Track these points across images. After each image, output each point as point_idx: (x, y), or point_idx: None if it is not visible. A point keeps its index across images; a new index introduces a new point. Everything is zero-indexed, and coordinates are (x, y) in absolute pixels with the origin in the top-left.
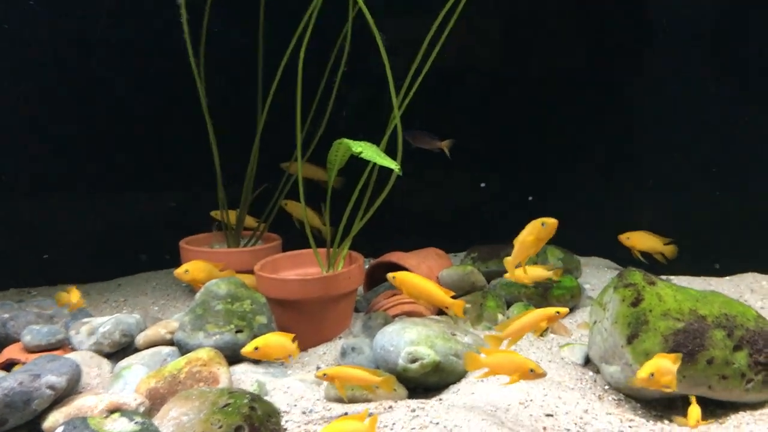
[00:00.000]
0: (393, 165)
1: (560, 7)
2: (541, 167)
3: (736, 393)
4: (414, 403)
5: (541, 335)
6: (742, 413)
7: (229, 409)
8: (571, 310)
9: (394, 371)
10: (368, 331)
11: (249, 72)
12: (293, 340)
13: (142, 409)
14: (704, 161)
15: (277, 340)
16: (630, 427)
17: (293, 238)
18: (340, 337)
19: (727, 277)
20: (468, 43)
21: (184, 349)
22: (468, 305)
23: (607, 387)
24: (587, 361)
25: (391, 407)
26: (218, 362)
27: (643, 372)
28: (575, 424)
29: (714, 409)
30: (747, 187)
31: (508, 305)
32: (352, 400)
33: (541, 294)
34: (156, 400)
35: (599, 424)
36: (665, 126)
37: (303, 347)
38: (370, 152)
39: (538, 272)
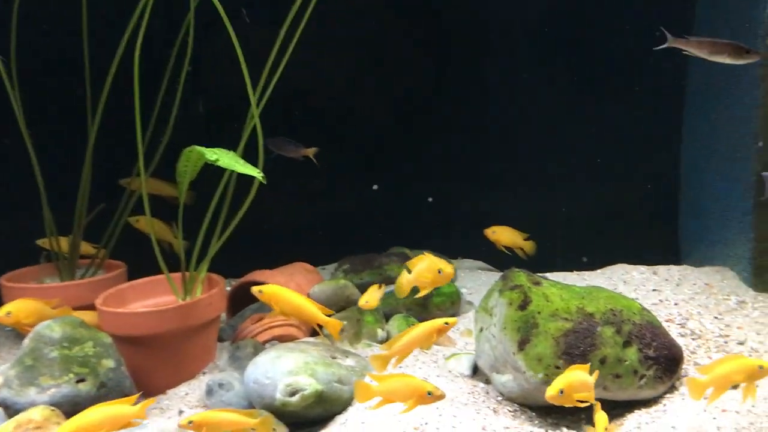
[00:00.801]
0: (254, 172)
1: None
2: (405, 174)
3: (631, 391)
4: None
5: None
6: (637, 412)
7: None
8: (452, 316)
9: (272, 407)
10: (237, 362)
11: (75, 74)
12: (136, 401)
13: None
14: (562, 159)
15: (104, 414)
16: None
17: (142, 264)
18: (205, 373)
19: (599, 270)
20: (326, 50)
21: (11, 410)
22: (345, 323)
23: (500, 398)
24: (475, 371)
25: None
26: (56, 422)
27: (552, 389)
28: None
29: (609, 410)
30: (604, 183)
31: (387, 318)
32: None
33: (420, 303)
34: None
35: None
36: (524, 127)
37: (161, 389)
38: (228, 159)
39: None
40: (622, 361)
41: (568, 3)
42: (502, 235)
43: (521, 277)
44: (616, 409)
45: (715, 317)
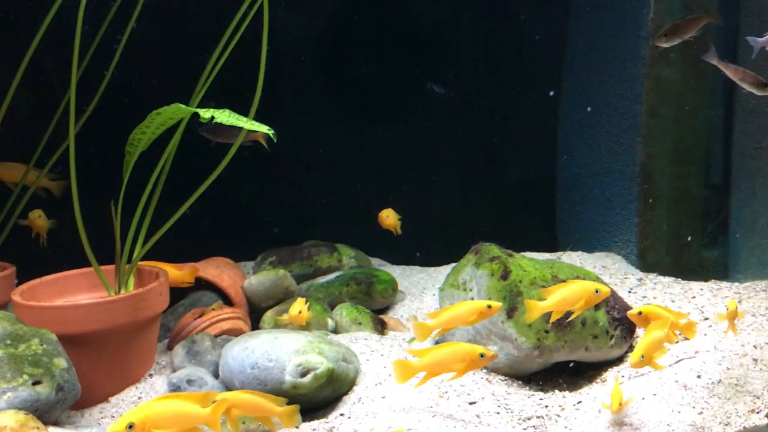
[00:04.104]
0: (264, 128)
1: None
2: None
3: (605, 351)
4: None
5: (383, 333)
6: (610, 371)
7: None
8: (390, 306)
9: (279, 392)
10: (197, 358)
11: None
12: None
13: None
14: (442, 154)
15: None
16: (542, 399)
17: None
18: (151, 375)
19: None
20: None
21: None
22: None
23: (484, 370)
24: None
25: None
26: (35, 428)
27: (635, 356)
28: (499, 406)
29: (585, 371)
30: (481, 178)
31: (331, 308)
32: None
33: (364, 291)
34: None
35: (516, 403)
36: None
37: (104, 396)
38: (226, 117)
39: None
40: (597, 323)
41: None
42: (392, 218)
43: (495, 249)
44: (592, 369)
45: (629, 292)
